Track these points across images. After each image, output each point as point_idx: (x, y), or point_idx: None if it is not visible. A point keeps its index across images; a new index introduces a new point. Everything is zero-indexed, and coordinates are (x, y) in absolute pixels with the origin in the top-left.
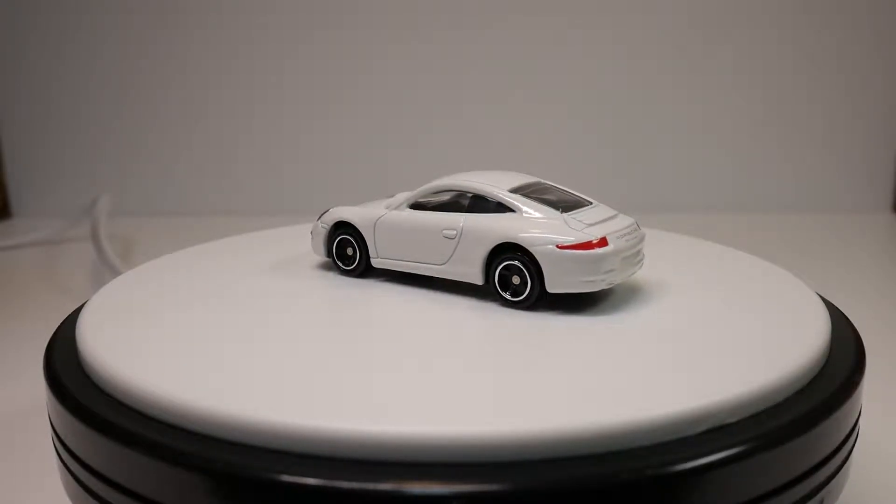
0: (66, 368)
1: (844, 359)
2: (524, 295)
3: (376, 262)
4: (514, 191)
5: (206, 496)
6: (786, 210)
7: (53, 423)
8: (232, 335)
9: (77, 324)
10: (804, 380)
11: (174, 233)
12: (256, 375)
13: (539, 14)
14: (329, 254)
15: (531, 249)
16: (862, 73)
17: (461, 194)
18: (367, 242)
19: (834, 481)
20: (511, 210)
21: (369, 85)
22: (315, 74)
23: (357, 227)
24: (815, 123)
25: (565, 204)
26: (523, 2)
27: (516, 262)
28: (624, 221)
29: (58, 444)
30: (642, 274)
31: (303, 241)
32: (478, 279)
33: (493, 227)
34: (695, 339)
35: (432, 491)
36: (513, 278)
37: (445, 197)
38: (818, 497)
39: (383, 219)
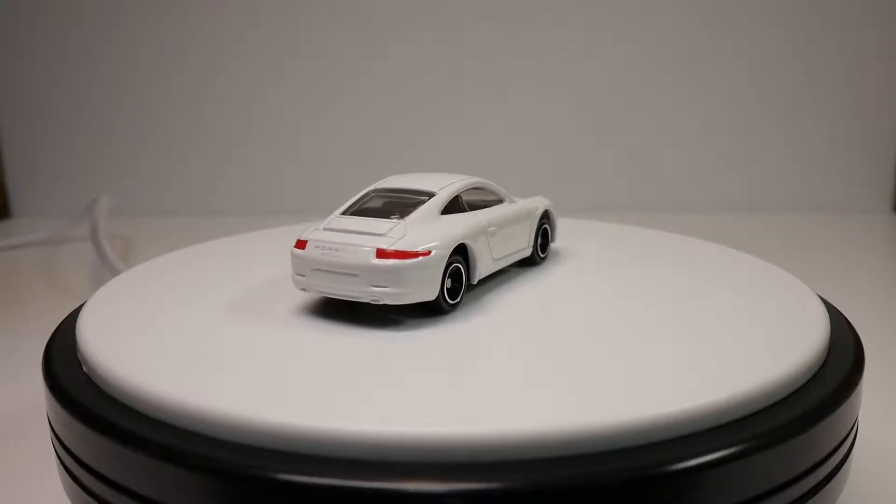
0: (65, 368)
1: (843, 359)
2: None
3: None
4: (376, 191)
5: (205, 496)
6: (786, 210)
7: (52, 423)
8: (231, 335)
9: (76, 324)
10: (803, 379)
11: (174, 233)
12: (256, 375)
13: (539, 14)
14: None
15: None
16: (862, 73)
17: None
18: None
19: (833, 480)
20: None
21: (369, 85)
22: (315, 75)
23: None
24: (815, 123)
25: (370, 211)
26: (523, 1)
27: None
28: (369, 242)
29: (57, 444)
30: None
31: None
32: None
33: None
34: (694, 339)
35: (430, 490)
36: None
37: None
38: None
39: None
